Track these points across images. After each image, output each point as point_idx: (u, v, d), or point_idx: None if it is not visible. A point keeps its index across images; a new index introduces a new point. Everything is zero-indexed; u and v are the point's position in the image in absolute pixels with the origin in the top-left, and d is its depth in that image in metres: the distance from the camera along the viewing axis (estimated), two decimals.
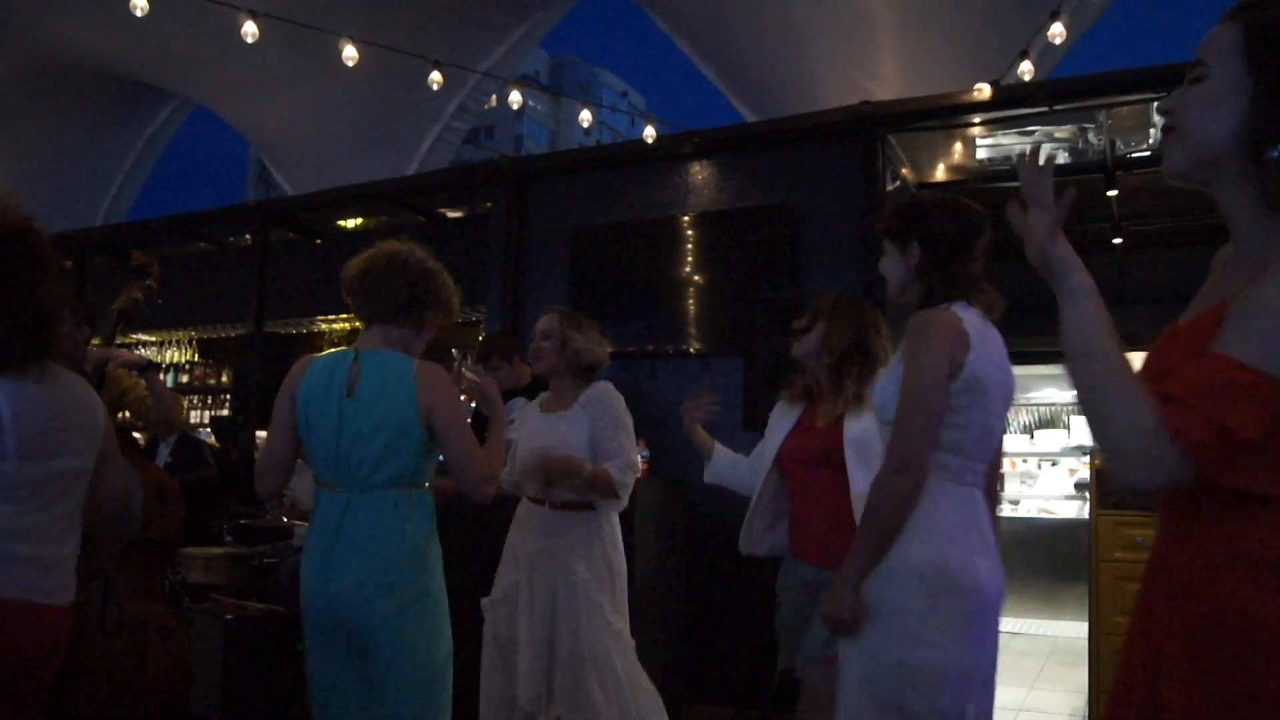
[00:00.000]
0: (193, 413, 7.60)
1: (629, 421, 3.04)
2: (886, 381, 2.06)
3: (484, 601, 3.04)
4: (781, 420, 2.83)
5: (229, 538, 4.72)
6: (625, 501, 2.98)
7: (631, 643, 2.98)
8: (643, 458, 4.26)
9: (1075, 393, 1.11)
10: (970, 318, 2.01)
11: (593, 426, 2.96)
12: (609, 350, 3.19)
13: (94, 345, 3.16)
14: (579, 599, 2.85)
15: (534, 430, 3.04)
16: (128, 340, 7.77)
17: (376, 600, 2.15)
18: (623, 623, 2.95)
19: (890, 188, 4.81)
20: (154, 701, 2.95)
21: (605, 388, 3.05)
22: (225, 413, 7.21)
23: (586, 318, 3.17)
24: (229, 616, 3.69)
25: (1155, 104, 1.15)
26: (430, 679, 2.20)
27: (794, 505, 2.75)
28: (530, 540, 2.96)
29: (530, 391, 4.35)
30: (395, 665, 2.15)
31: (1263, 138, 1.08)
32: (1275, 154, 1.06)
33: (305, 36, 6.69)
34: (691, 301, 4.97)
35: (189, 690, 3.15)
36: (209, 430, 7.06)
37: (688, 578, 4.29)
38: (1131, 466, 1.04)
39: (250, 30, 5.97)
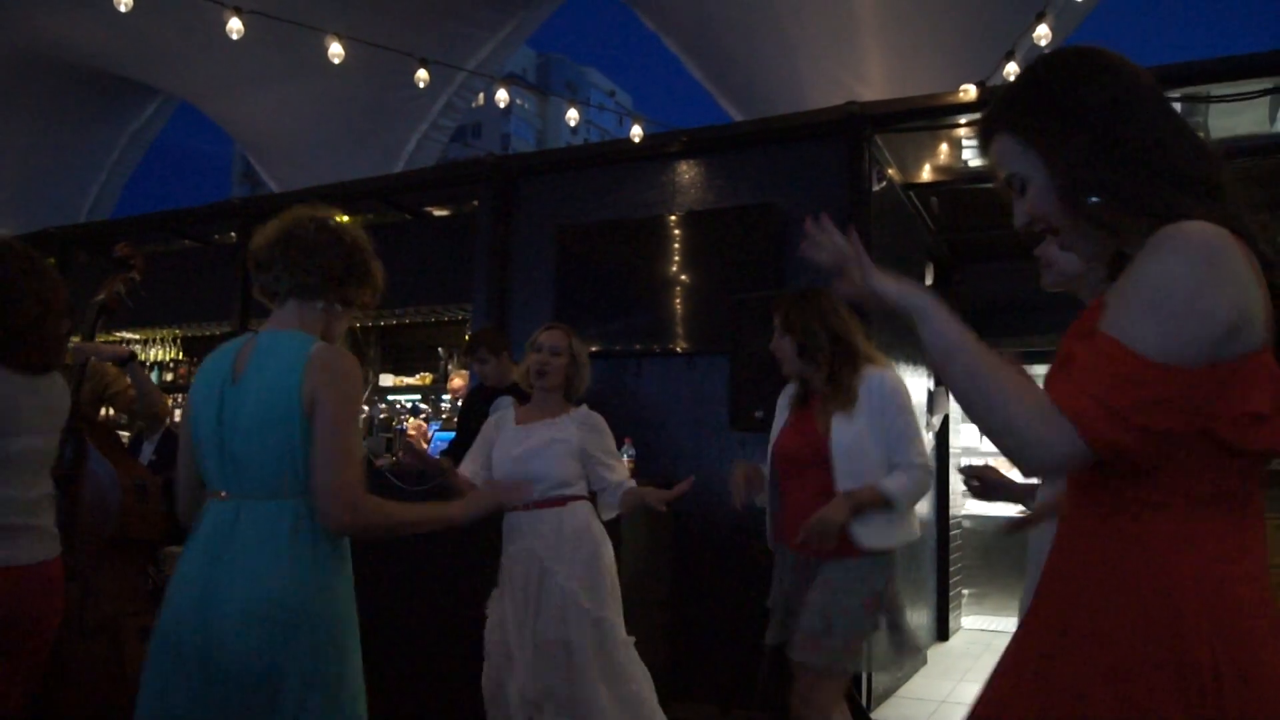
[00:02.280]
0: (177, 411, 7.55)
1: None
2: None
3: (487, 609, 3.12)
4: (780, 412, 2.97)
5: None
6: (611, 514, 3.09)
7: (620, 633, 3.00)
8: (629, 457, 4.27)
9: (957, 399, 1.16)
10: None
11: (585, 439, 3.03)
12: None
13: (75, 341, 3.13)
14: (553, 592, 2.90)
15: (518, 438, 3.08)
16: (111, 337, 7.72)
17: (261, 636, 1.71)
18: (604, 610, 2.97)
19: (876, 188, 4.82)
20: (133, 702, 2.92)
21: (595, 414, 3.15)
22: None
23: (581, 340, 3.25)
24: None
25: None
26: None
27: (783, 495, 2.87)
28: (510, 544, 3.03)
29: (516, 391, 4.34)
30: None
31: (1071, 197, 1.18)
32: (1090, 202, 1.16)
33: (291, 33, 6.66)
34: (677, 300, 4.97)
35: None
36: None
37: (673, 576, 4.29)
38: (1029, 447, 1.07)
39: (235, 27, 5.93)
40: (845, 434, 2.72)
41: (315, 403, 1.79)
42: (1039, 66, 1.23)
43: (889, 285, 1.27)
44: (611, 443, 3.11)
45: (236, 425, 1.82)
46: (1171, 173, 1.13)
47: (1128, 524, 1.12)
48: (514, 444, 3.08)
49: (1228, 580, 1.08)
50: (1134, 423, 1.03)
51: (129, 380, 3.45)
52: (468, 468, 3.18)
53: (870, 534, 2.70)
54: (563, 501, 3.00)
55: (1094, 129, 1.16)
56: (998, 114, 1.24)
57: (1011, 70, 5.37)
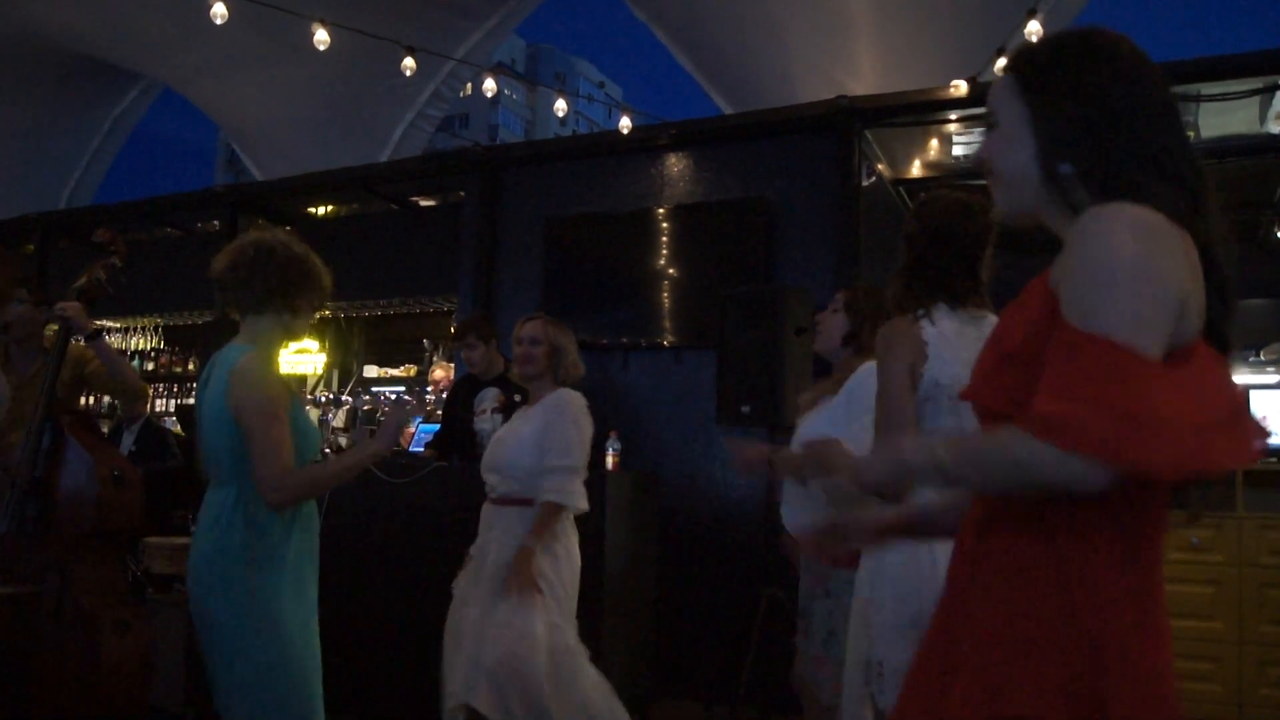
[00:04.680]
0: (158, 401, 7.48)
1: (585, 427, 3.05)
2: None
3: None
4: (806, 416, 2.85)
5: (194, 527, 4.64)
6: (579, 505, 2.98)
7: (568, 639, 2.93)
8: (614, 451, 4.24)
9: (983, 491, 1.16)
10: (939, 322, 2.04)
11: (544, 425, 2.96)
12: None
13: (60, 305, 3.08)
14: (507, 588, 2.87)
15: (502, 431, 3.12)
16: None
17: (200, 589, 2.20)
18: (554, 615, 2.90)
19: (865, 183, 4.80)
20: (110, 696, 2.88)
21: (571, 395, 3.08)
22: (191, 401, 7.10)
23: (567, 328, 3.20)
24: None
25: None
26: (259, 679, 2.15)
27: None
28: (483, 534, 3.05)
29: (501, 383, 4.30)
30: (224, 662, 2.17)
31: (1048, 158, 1.19)
32: (1063, 169, 1.17)
33: (276, 19, 6.58)
34: (665, 294, 4.94)
35: (149, 684, 3.09)
36: (174, 419, 6.95)
37: (658, 572, 4.27)
38: (1069, 480, 1.00)
39: (219, 11, 5.87)
40: (815, 421, 2.67)
41: (239, 412, 2.16)
42: (1068, 35, 1.24)
43: (879, 467, 1.23)
44: (570, 428, 2.98)
45: (202, 423, 2.29)
46: (1156, 168, 1.13)
47: (1038, 545, 1.09)
48: (498, 438, 3.12)
49: (1137, 619, 1.06)
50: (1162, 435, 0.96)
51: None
52: None
53: None
54: (528, 501, 2.96)
55: (1095, 106, 1.16)
56: (1017, 56, 1.26)
57: (1001, 65, 5.36)
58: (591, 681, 2.96)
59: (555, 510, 2.93)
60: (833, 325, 2.79)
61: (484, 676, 2.81)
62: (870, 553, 2.05)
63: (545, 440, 2.96)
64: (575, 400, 3.07)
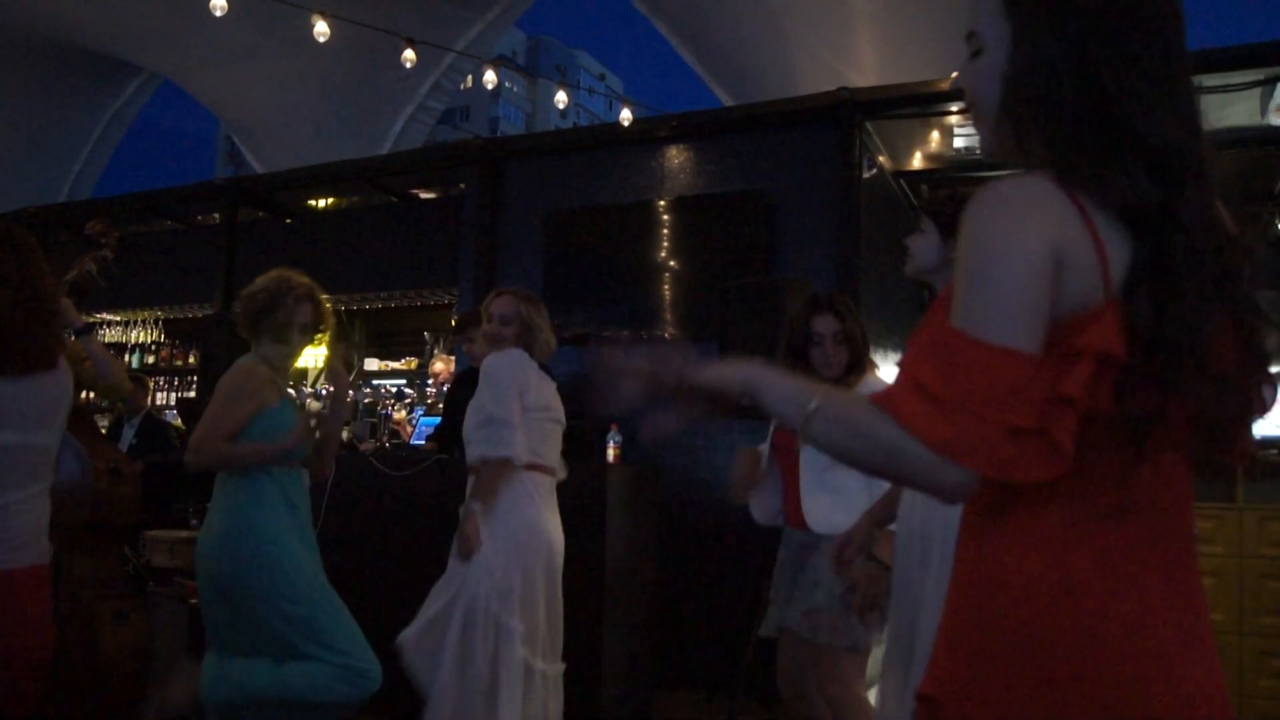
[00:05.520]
0: (159, 394, 7.48)
1: (497, 383, 2.86)
2: None
3: None
4: None
5: (194, 520, 4.65)
6: (498, 452, 2.80)
7: (508, 628, 2.76)
8: (615, 443, 4.24)
9: (834, 456, 1.01)
10: None
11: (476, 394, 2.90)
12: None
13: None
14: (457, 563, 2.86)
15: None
16: (89, 319, 7.62)
17: (207, 553, 2.64)
18: (493, 604, 2.75)
19: (866, 175, 4.79)
20: (109, 687, 2.89)
21: (491, 359, 2.93)
22: (192, 394, 7.10)
23: (541, 302, 3.09)
24: (193, 600, 3.63)
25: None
26: (281, 617, 2.55)
27: (785, 480, 2.87)
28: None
29: None
30: (235, 613, 2.59)
31: (1011, 96, 0.99)
32: (1038, 118, 0.97)
33: (276, 11, 6.56)
34: (666, 287, 4.94)
35: (148, 675, 3.10)
36: (175, 412, 6.96)
37: (659, 564, 4.28)
38: (937, 484, 0.92)
39: (219, 4, 5.86)
40: None
41: None
42: None
43: (718, 372, 1.10)
44: (480, 392, 2.85)
45: None
46: (1117, 137, 0.95)
47: (1000, 527, 0.98)
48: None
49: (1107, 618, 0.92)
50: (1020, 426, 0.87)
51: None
52: None
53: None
54: (472, 469, 2.91)
55: (1071, 40, 0.96)
56: None
57: None
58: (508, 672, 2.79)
59: (485, 468, 2.81)
60: (837, 359, 2.77)
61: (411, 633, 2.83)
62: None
63: (473, 404, 2.91)
64: (492, 362, 2.91)
